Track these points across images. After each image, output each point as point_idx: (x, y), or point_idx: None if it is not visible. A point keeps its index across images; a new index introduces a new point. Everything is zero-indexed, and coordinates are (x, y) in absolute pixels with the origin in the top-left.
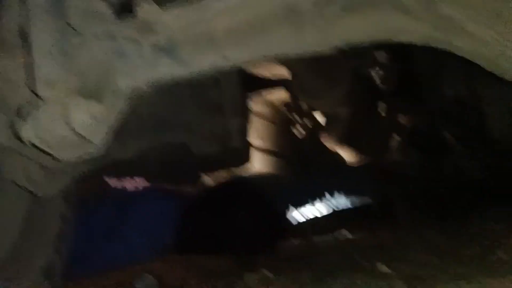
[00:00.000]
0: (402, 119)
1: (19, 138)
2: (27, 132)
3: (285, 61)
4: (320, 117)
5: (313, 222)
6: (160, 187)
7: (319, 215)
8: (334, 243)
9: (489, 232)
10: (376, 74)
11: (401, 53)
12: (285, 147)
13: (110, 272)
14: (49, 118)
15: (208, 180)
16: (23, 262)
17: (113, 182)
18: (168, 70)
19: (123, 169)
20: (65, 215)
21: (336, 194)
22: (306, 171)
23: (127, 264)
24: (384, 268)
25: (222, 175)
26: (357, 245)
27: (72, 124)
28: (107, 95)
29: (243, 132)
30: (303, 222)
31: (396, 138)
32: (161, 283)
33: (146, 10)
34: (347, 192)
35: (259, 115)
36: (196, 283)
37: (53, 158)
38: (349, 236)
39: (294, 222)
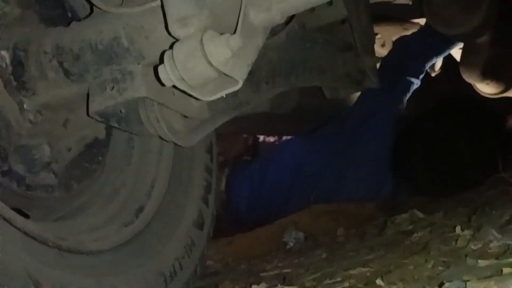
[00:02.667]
0: None
1: (158, 85)
2: (167, 74)
3: None
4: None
5: None
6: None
7: None
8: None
9: None
10: None
11: None
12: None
13: (259, 226)
14: (187, 56)
15: None
16: (174, 214)
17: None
18: None
19: (260, 123)
20: (210, 167)
21: None
22: None
23: (275, 218)
24: None
25: None
26: None
27: (212, 60)
28: (242, 30)
29: (376, 71)
30: None
31: None
32: (309, 234)
33: None
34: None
35: None
36: (344, 231)
37: (194, 101)
38: None
39: None
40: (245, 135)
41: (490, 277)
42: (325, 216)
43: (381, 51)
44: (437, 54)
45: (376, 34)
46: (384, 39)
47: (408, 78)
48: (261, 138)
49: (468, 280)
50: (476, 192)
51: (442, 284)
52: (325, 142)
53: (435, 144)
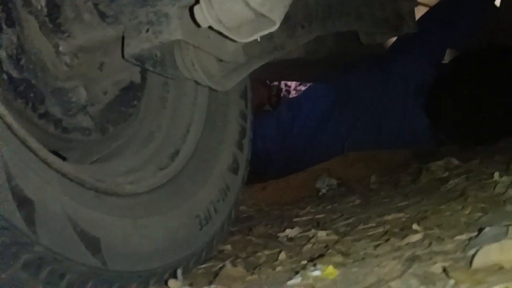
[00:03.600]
0: None
1: (194, 27)
2: (203, 14)
3: None
4: None
5: None
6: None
7: None
8: None
9: None
10: None
11: None
12: None
13: (292, 173)
14: None
15: None
16: (209, 158)
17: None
18: None
19: (294, 69)
20: (244, 112)
21: None
22: None
23: (308, 165)
24: None
25: None
26: None
27: (249, 0)
28: None
29: (414, 16)
30: None
31: None
32: (342, 181)
33: None
34: None
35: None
36: (377, 178)
37: (229, 44)
38: None
39: None
40: (270, 83)
41: None
42: (358, 163)
43: None
44: None
45: None
46: None
47: (472, 15)
48: (292, 87)
49: (509, 225)
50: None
51: (481, 229)
52: (358, 86)
53: (472, 91)
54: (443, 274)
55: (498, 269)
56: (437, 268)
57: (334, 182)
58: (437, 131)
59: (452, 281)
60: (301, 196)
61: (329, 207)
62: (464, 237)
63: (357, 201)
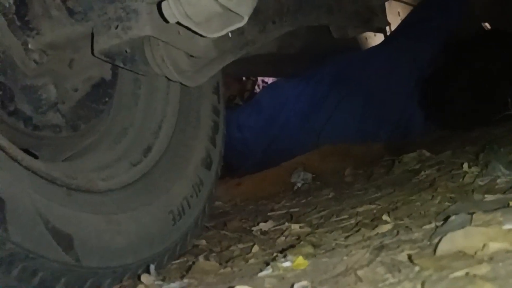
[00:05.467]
0: None
1: (163, 23)
2: (171, 10)
3: None
4: None
5: None
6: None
7: None
8: None
9: None
10: None
11: None
12: None
13: (266, 168)
14: None
15: None
16: (182, 154)
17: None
18: None
19: (267, 64)
20: (217, 107)
21: None
22: None
23: (282, 159)
24: None
25: None
26: None
27: None
28: None
29: (385, 11)
30: None
31: None
32: (316, 175)
33: None
34: None
35: None
36: (352, 171)
37: (200, 40)
38: None
39: None
40: (243, 78)
41: (496, 209)
42: (333, 157)
43: None
44: None
45: None
46: None
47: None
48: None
49: (474, 213)
50: (484, 131)
51: (448, 217)
52: (362, 66)
53: (476, 74)
54: (409, 262)
55: (461, 255)
56: (403, 256)
57: (309, 176)
58: (432, 121)
59: (417, 268)
60: (276, 191)
61: (304, 200)
62: (431, 226)
63: (331, 194)
